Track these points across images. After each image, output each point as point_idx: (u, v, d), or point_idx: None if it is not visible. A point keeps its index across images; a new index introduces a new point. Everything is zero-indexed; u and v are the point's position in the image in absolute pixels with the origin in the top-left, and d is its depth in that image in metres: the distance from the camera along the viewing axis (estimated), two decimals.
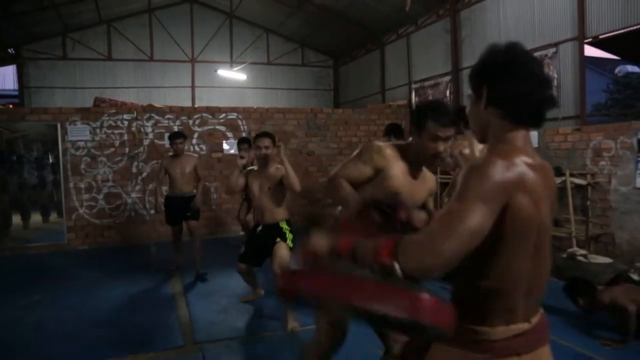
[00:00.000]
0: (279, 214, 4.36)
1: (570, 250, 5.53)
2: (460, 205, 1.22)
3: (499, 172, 1.23)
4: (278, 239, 4.28)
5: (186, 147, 6.57)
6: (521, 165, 1.27)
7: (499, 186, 1.22)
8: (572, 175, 6.03)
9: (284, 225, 4.36)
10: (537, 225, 1.30)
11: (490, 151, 1.33)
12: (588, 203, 6.14)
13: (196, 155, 6.91)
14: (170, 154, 6.27)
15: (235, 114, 9.11)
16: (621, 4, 6.30)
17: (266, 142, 4.23)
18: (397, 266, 1.25)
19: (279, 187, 4.28)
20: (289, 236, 4.33)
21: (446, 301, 1.28)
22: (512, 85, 1.32)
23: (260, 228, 4.40)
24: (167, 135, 8.55)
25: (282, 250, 4.22)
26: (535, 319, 1.37)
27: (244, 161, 4.81)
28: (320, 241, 1.48)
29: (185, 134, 6.39)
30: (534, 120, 1.36)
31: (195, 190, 6.18)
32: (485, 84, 1.37)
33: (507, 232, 1.25)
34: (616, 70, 16.06)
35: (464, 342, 1.32)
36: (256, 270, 4.76)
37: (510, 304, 1.31)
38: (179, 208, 6.04)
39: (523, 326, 1.33)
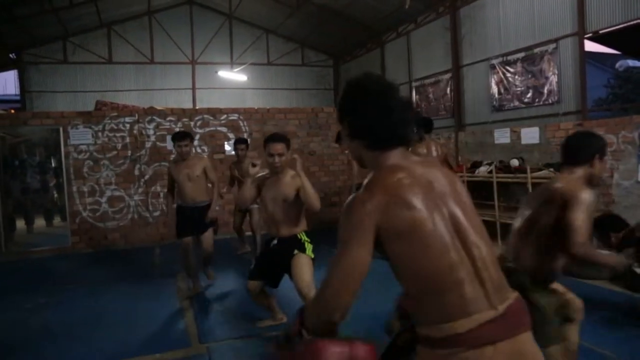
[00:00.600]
0: (297, 227, 3.80)
1: None
2: (337, 251, 1.33)
3: (358, 204, 1.32)
4: (296, 251, 3.71)
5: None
6: (388, 185, 1.33)
7: (362, 217, 1.31)
8: None
9: (303, 236, 3.80)
10: (437, 218, 1.33)
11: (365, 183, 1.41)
12: None
13: (205, 156, 6.47)
14: (173, 156, 5.72)
15: (236, 115, 9.13)
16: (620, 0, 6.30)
17: (279, 148, 3.65)
18: (304, 331, 1.38)
19: (296, 199, 3.69)
20: (308, 247, 3.77)
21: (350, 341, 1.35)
22: (363, 118, 1.40)
23: (275, 242, 3.80)
24: (169, 137, 8.61)
25: (303, 262, 3.67)
26: (503, 305, 1.33)
27: (256, 169, 3.78)
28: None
29: (191, 134, 5.39)
30: (394, 142, 1.42)
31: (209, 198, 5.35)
32: (345, 119, 1.46)
33: (401, 240, 1.31)
34: (617, 65, 16.04)
35: (434, 342, 1.33)
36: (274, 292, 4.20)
37: (459, 296, 1.30)
38: (190, 220, 5.17)
39: (489, 314, 1.30)
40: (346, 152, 8.07)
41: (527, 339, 1.36)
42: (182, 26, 14.13)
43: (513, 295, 1.39)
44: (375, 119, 1.39)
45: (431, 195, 1.35)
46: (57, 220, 10.79)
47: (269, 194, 3.76)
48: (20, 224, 9.84)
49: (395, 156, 1.42)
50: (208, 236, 5.22)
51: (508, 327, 1.33)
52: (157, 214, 8.61)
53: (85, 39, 13.31)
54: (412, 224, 1.30)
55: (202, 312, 4.74)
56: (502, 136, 7.74)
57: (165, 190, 5.89)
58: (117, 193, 8.42)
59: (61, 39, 13.01)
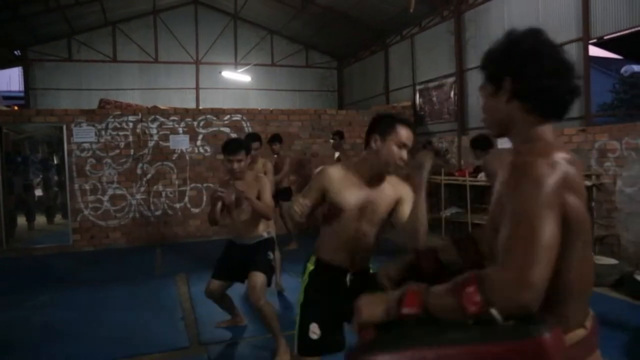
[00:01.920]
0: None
1: None
2: (527, 222, 1.10)
3: (548, 173, 1.13)
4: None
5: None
6: (563, 163, 1.17)
7: (554, 188, 1.12)
8: None
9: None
10: (586, 224, 1.21)
11: (525, 151, 1.22)
12: (593, 204, 6.12)
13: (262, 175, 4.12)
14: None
15: (239, 115, 9.14)
16: (626, 5, 6.27)
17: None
18: (495, 312, 1.06)
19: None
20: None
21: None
22: (540, 77, 1.20)
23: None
24: (172, 136, 8.61)
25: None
26: (589, 323, 1.25)
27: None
28: (371, 310, 1.28)
29: (247, 144, 3.94)
30: (561, 113, 1.27)
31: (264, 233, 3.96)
32: (509, 75, 1.25)
33: (570, 232, 1.15)
34: (622, 70, 15.99)
35: (524, 354, 1.13)
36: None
37: (566, 310, 1.20)
38: (234, 261, 3.87)
39: (580, 333, 1.22)
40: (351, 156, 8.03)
41: (598, 357, 1.28)
42: (187, 26, 14.15)
43: (592, 313, 1.30)
44: (555, 81, 1.21)
45: (584, 195, 1.22)
46: (58, 217, 10.81)
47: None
48: (21, 220, 9.86)
49: (550, 131, 1.27)
50: (256, 282, 3.63)
51: (589, 346, 1.25)
52: (158, 213, 8.62)
53: (90, 37, 13.34)
54: (580, 217, 1.17)
55: (203, 313, 4.73)
56: (505, 141, 7.70)
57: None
58: (119, 192, 8.43)
59: (66, 37, 13.04)
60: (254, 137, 5.55)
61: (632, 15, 6.21)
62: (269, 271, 3.77)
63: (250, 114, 9.30)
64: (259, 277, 3.63)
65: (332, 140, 7.87)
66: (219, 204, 3.68)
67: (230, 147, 3.72)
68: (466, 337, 1.08)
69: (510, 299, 1.06)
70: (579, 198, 1.17)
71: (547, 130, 1.27)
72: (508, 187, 1.18)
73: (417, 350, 1.12)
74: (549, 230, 1.09)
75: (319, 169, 2.37)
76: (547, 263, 1.08)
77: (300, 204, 2.21)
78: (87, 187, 8.24)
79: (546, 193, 1.11)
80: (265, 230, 3.93)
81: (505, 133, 1.33)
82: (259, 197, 3.73)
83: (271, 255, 3.87)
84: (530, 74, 1.21)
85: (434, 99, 10.26)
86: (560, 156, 1.18)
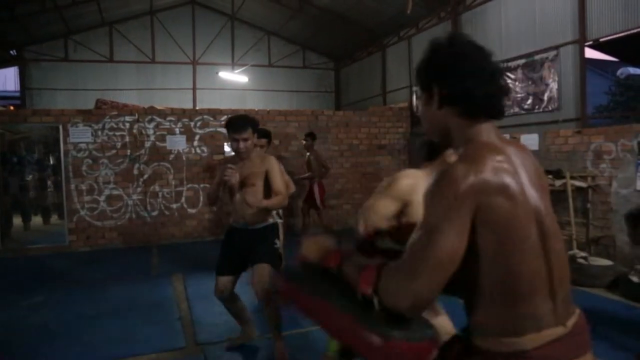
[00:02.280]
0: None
1: (570, 252, 5.54)
2: (426, 234, 1.15)
3: (459, 181, 1.13)
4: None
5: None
6: (489, 164, 1.16)
7: (463, 197, 1.12)
8: (572, 177, 6.04)
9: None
10: (529, 216, 1.19)
11: (459, 155, 1.24)
12: (589, 205, 6.14)
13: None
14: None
15: None
16: (621, 7, 6.31)
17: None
18: (375, 301, 1.21)
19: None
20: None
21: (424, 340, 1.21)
22: (462, 79, 1.23)
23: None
24: (169, 136, 8.61)
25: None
26: (571, 321, 1.23)
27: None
28: (311, 247, 1.47)
29: (252, 121, 3.54)
30: (493, 111, 1.27)
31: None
32: (435, 82, 1.28)
33: (495, 234, 1.15)
34: (618, 73, 16.07)
35: (495, 357, 1.19)
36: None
37: (533, 307, 1.18)
38: (236, 249, 3.65)
39: (557, 330, 1.20)
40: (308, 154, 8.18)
41: (591, 359, 1.26)
42: (184, 26, 14.15)
43: (577, 311, 1.28)
44: (476, 81, 1.22)
45: (525, 188, 1.20)
46: (54, 218, 10.77)
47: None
48: (17, 221, 9.82)
49: (489, 131, 1.26)
50: (262, 275, 3.45)
51: (575, 346, 1.22)
52: (155, 213, 8.61)
53: (87, 37, 13.32)
54: (509, 217, 1.15)
55: (199, 313, 4.73)
56: None
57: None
58: (115, 192, 8.41)
59: (63, 37, 13.02)
60: (260, 132, 4.91)
61: (627, 18, 6.25)
62: (277, 261, 3.56)
63: (247, 114, 9.28)
64: (264, 270, 3.40)
65: (304, 142, 7.94)
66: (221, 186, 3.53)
67: (236, 125, 3.38)
68: (347, 306, 1.28)
69: (388, 299, 1.18)
70: (506, 198, 1.15)
71: (482, 130, 1.26)
72: (426, 192, 1.21)
73: (310, 296, 1.41)
74: (445, 244, 1.12)
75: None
76: (434, 278, 1.13)
77: None
78: (83, 187, 8.22)
79: (450, 204, 1.12)
80: (270, 215, 3.64)
81: (447, 139, 1.34)
82: (266, 179, 3.46)
83: (278, 242, 3.63)
84: (452, 77, 1.24)
85: None
86: (491, 156, 1.18)
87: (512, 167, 1.19)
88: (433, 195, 1.17)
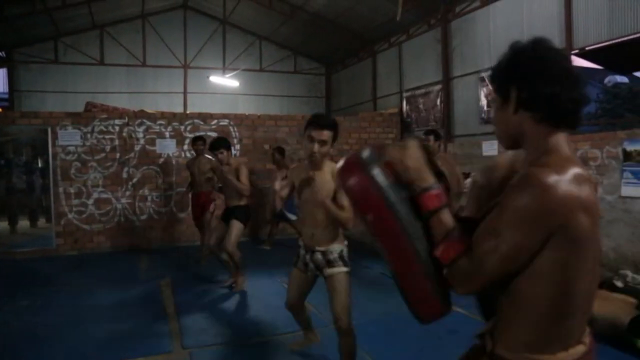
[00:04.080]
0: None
1: None
2: (506, 225, 1.13)
3: (556, 190, 1.09)
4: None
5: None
6: (577, 178, 1.12)
7: (556, 205, 1.09)
8: None
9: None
10: (595, 240, 1.17)
11: (537, 162, 1.18)
12: None
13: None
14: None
15: (226, 120, 9.13)
16: (606, 17, 6.42)
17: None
18: (445, 272, 1.25)
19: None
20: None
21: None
22: (546, 85, 1.17)
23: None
24: (159, 140, 8.58)
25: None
26: (588, 339, 1.24)
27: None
28: (412, 157, 1.31)
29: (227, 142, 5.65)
30: (573, 120, 1.22)
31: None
32: (514, 84, 1.22)
33: (568, 251, 1.12)
34: (605, 81, 16.26)
35: None
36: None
37: (569, 327, 1.19)
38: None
39: (579, 349, 1.20)
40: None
41: None
42: (176, 30, 14.13)
43: (588, 329, 1.28)
44: (563, 87, 1.17)
45: (596, 211, 1.17)
46: (41, 221, 10.68)
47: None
48: (3, 224, 9.73)
49: (566, 143, 1.22)
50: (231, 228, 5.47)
51: None
52: (144, 217, 8.57)
53: (78, 40, 13.26)
54: (589, 236, 1.13)
55: (187, 318, 4.71)
56: (489, 148, 7.82)
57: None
58: (104, 195, 8.37)
59: (53, 39, 12.95)
60: (222, 143, 5.56)
61: (612, 27, 6.36)
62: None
63: (238, 118, 9.30)
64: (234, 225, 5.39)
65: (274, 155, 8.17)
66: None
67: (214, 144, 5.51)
68: (423, 257, 1.28)
69: (453, 279, 1.23)
70: (588, 216, 1.12)
71: (561, 141, 1.21)
72: (507, 191, 1.16)
73: (399, 226, 1.29)
74: (520, 242, 1.12)
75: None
76: (495, 274, 1.15)
77: None
78: (71, 190, 8.16)
79: (534, 210, 1.09)
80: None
81: (517, 145, 1.30)
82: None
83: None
84: (535, 81, 1.19)
85: (421, 106, 10.36)
86: (575, 172, 1.14)
87: (590, 183, 1.16)
88: (525, 194, 1.11)
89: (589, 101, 1.26)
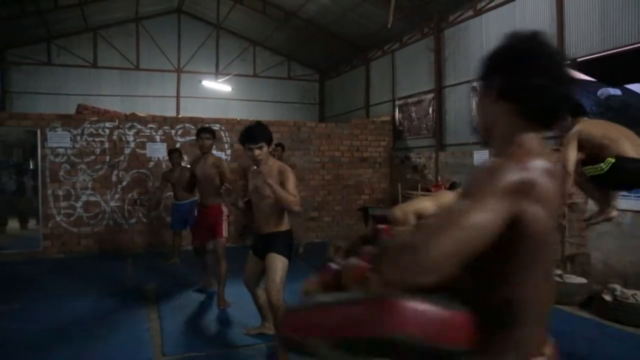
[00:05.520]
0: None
1: None
2: (461, 202, 1.01)
3: (512, 175, 1.02)
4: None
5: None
6: (538, 171, 1.06)
7: (510, 190, 1.01)
8: None
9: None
10: (554, 237, 1.13)
11: (501, 155, 1.13)
12: (564, 223, 6.19)
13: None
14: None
15: (218, 125, 9.08)
16: (598, 29, 6.45)
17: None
18: (373, 278, 1.03)
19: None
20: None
21: (452, 309, 1.01)
22: (530, 75, 1.11)
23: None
24: (149, 144, 8.52)
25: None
26: (548, 351, 1.17)
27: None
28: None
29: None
30: (550, 119, 1.16)
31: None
32: (498, 72, 1.18)
33: (520, 249, 1.06)
34: (598, 93, 16.33)
35: None
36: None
37: (523, 335, 1.11)
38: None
39: None
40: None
41: None
42: (169, 34, 14.10)
43: (551, 340, 1.23)
44: (548, 81, 1.10)
45: (555, 210, 1.12)
46: (32, 223, 10.58)
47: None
48: None
49: (536, 141, 1.15)
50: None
51: None
52: (133, 221, 8.49)
53: (70, 42, 13.19)
54: (545, 232, 1.07)
55: (169, 324, 4.64)
56: (481, 158, 7.83)
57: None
58: (93, 198, 8.29)
59: (45, 41, 12.88)
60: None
61: (603, 39, 6.39)
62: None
63: (230, 123, 9.26)
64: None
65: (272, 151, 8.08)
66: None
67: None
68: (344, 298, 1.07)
69: (396, 265, 0.96)
70: (544, 210, 1.06)
71: (531, 139, 1.15)
72: (467, 182, 1.10)
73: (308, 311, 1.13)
74: (479, 214, 0.98)
75: None
76: (457, 239, 0.95)
77: None
78: (60, 192, 8.08)
79: (497, 188, 1.00)
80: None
81: (490, 138, 1.23)
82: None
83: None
84: (519, 70, 1.13)
85: (413, 114, 10.35)
86: (539, 165, 1.08)
87: (552, 183, 1.09)
88: (482, 177, 1.04)
89: (573, 101, 1.21)
